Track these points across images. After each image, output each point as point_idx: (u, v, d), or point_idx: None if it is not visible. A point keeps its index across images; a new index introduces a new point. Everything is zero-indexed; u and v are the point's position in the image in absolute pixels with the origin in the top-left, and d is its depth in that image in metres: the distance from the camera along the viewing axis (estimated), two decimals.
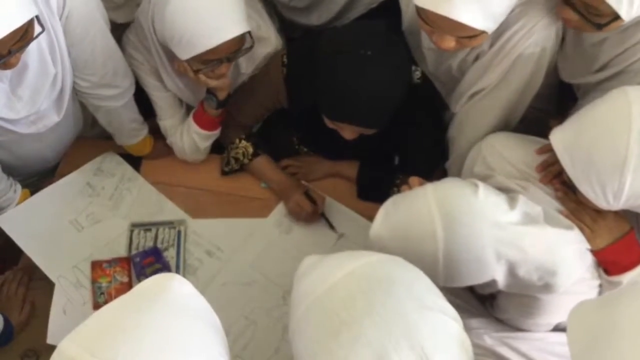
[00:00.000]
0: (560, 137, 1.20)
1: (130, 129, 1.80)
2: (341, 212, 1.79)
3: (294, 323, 0.87)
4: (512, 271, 1.18)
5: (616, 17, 1.21)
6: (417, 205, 1.17)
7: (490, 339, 1.36)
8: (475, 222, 1.14)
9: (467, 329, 1.22)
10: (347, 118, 1.48)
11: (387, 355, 0.77)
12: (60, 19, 1.39)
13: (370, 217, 1.54)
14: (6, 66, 1.27)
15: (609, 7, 1.18)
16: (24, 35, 1.23)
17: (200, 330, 0.82)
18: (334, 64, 1.43)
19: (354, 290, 0.82)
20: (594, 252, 1.26)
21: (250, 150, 1.81)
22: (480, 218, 1.14)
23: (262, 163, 1.82)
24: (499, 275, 1.18)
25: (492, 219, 1.15)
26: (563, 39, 1.45)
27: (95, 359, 0.73)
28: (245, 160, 1.81)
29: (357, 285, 0.83)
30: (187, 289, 0.86)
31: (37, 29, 1.27)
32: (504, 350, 1.35)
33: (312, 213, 1.73)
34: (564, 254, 1.21)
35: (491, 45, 1.44)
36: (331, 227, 1.75)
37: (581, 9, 1.24)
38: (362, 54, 1.39)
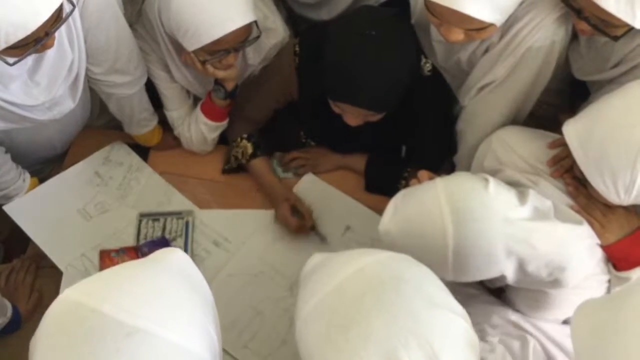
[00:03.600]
0: (574, 129, 1.19)
1: (140, 119, 1.80)
2: (349, 205, 1.78)
3: (301, 321, 0.86)
4: (521, 267, 1.18)
5: (631, 27, 1.20)
6: (427, 201, 1.17)
7: (515, 315, 1.36)
8: (485, 218, 1.13)
9: (489, 313, 1.21)
10: (347, 98, 1.47)
11: (395, 353, 0.76)
12: (77, 3, 1.40)
13: (378, 210, 1.54)
14: (44, 48, 1.28)
15: (622, 20, 1.17)
16: (58, 16, 1.23)
17: (189, 293, 0.84)
18: (337, 43, 1.43)
19: (363, 287, 0.81)
20: (604, 247, 1.25)
21: (249, 151, 1.78)
22: (490, 214, 1.14)
23: (258, 166, 1.79)
24: (509, 271, 1.18)
25: (503, 214, 1.14)
26: (576, 37, 1.44)
27: (89, 296, 0.77)
28: (243, 160, 1.80)
29: (366, 282, 0.82)
30: (187, 261, 0.90)
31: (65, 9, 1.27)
32: (527, 326, 1.34)
33: (299, 227, 1.69)
34: (574, 250, 1.20)
35: (500, 38, 1.43)
36: (322, 239, 1.71)
37: (596, 22, 1.23)
38: (366, 34, 1.39)
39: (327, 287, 0.84)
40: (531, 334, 1.29)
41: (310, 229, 1.71)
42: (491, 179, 1.18)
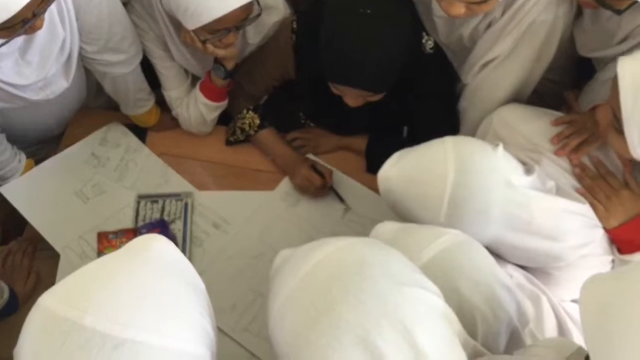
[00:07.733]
0: (631, 66, 1.06)
1: (136, 99, 1.78)
2: (349, 186, 1.77)
3: (272, 321, 0.84)
4: (512, 235, 1.17)
5: (635, 0, 1.16)
6: (433, 148, 1.18)
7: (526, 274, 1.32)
8: (488, 174, 1.13)
9: (502, 263, 1.23)
10: (344, 79, 1.45)
11: (369, 337, 0.74)
12: None
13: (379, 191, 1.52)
14: (32, 29, 1.26)
15: None
16: None
17: (178, 287, 0.80)
18: (333, 23, 1.41)
19: (327, 277, 0.79)
20: (608, 231, 1.24)
21: (257, 121, 1.78)
22: (494, 172, 1.14)
23: (268, 136, 1.80)
24: (499, 237, 1.16)
25: (506, 176, 1.14)
26: (580, 13, 1.41)
27: (69, 307, 0.73)
28: (251, 132, 1.79)
29: (330, 271, 0.80)
30: (169, 249, 0.86)
31: None
32: (539, 284, 1.31)
33: (321, 187, 1.70)
34: (570, 224, 1.19)
35: (503, 13, 1.41)
36: (341, 200, 1.72)
37: None
38: (361, 12, 1.36)
39: (291, 283, 0.81)
40: (543, 292, 1.28)
41: (329, 189, 1.72)
42: (502, 145, 1.17)
